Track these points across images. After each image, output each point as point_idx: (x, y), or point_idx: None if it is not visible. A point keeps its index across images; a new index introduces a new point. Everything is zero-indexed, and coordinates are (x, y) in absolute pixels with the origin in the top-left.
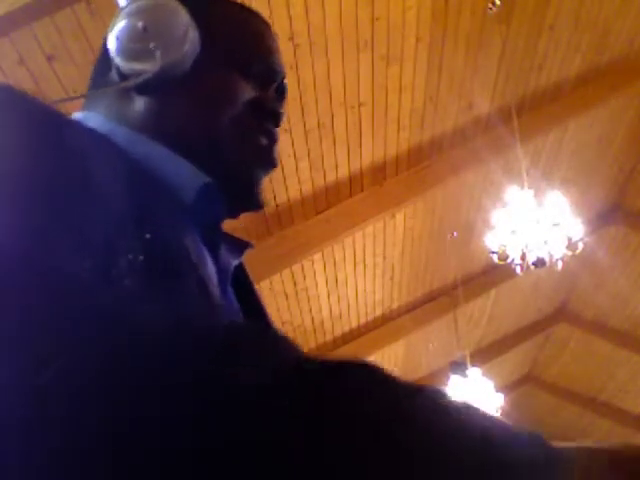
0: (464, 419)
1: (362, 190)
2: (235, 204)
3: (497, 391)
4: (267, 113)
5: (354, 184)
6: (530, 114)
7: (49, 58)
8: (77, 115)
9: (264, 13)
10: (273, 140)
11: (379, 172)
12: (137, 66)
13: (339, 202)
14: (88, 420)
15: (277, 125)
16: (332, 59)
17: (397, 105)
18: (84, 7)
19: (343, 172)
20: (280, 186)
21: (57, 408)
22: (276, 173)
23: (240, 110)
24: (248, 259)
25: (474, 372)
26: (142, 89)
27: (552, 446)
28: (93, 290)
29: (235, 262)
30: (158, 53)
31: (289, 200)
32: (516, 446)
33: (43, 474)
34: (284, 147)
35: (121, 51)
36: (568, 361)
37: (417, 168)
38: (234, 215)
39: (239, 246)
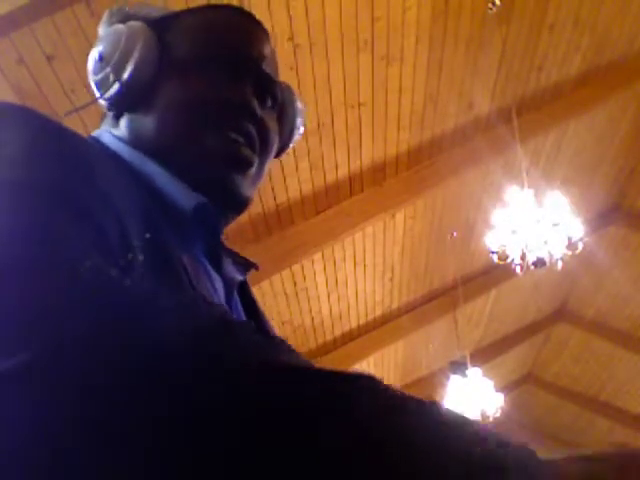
0: (452, 429)
1: (362, 190)
2: (218, 208)
3: (497, 391)
4: (234, 107)
5: (354, 184)
6: (530, 114)
7: (49, 58)
8: (96, 131)
9: (263, 14)
10: (245, 135)
11: (379, 172)
12: (107, 94)
13: (339, 202)
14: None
15: (250, 118)
16: (332, 59)
17: (397, 105)
18: (84, 7)
19: (343, 172)
20: (280, 186)
21: (64, 406)
22: (276, 173)
23: (202, 110)
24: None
25: (474, 372)
26: (116, 112)
27: (543, 461)
28: (104, 288)
29: (239, 277)
30: (112, 76)
31: (289, 200)
32: (504, 455)
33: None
34: None
35: (93, 83)
36: (568, 361)
37: (417, 168)
38: (225, 220)
39: (243, 265)
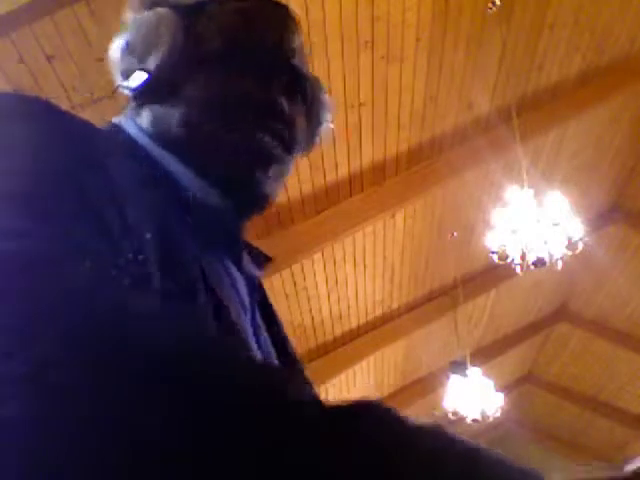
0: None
1: (362, 190)
2: (239, 207)
3: (497, 391)
4: (261, 105)
5: (354, 184)
6: (530, 114)
7: (49, 58)
8: (120, 117)
9: None
10: (272, 134)
11: (379, 172)
12: (130, 83)
13: (339, 202)
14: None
15: (277, 117)
16: (332, 59)
17: (397, 105)
18: (84, 7)
19: (343, 172)
20: None
21: (59, 408)
22: None
23: (226, 106)
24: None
25: (474, 372)
26: (140, 103)
27: None
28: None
29: (257, 273)
30: (136, 66)
31: (289, 200)
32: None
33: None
34: None
35: (118, 72)
36: (568, 361)
37: (417, 168)
38: (246, 218)
39: (259, 259)
